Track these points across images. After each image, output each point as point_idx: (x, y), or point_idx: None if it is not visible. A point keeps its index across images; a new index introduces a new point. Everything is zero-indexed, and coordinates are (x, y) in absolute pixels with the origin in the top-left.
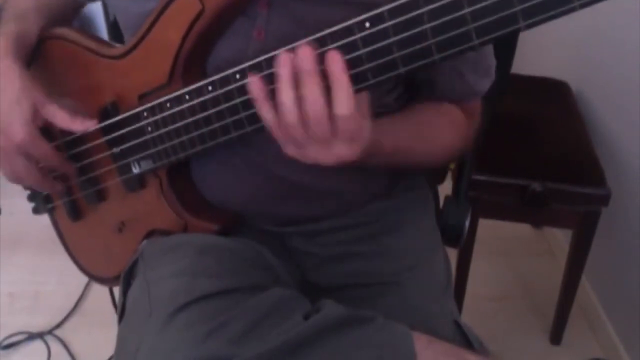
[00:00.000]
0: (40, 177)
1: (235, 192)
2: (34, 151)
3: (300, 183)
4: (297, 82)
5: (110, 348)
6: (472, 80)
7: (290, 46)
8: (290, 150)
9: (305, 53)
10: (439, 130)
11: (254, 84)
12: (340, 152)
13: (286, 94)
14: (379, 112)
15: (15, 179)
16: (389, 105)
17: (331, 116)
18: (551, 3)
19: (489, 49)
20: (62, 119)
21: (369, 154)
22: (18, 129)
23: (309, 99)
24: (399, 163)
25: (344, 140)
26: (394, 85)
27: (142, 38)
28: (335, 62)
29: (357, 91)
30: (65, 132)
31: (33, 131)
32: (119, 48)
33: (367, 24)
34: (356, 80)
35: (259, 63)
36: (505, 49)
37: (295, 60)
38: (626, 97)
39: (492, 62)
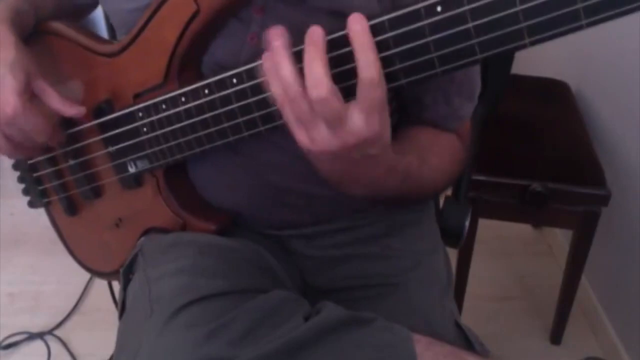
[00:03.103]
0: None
1: (230, 197)
2: (26, 122)
3: (294, 190)
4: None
5: (110, 348)
6: (457, 103)
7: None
8: (300, 135)
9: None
10: (440, 154)
11: (266, 59)
12: (355, 126)
13: (286, 69)
14: None
15: (10, 152)
16: None
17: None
18: (557, 21)
19: (477, 73)
20: (52, 97)
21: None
22: (9, 98)
23: (310, 73)
24: (402, 187)
25: (360, 111)
26: (388, 101)
27: (137, 36)
28: (357, 21)
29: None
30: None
31: (25, 102)
32: (113, 45)
33: None
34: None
35: (256, 68)
36: None
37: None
38: (626, 97)
39: (478, 86)
